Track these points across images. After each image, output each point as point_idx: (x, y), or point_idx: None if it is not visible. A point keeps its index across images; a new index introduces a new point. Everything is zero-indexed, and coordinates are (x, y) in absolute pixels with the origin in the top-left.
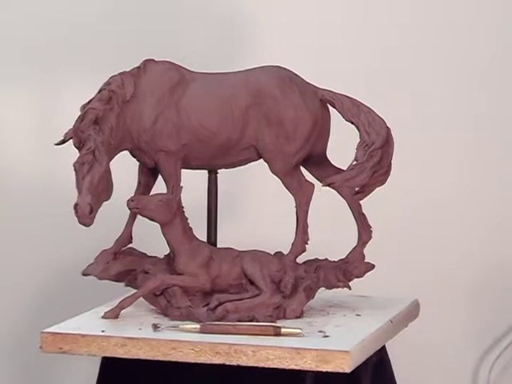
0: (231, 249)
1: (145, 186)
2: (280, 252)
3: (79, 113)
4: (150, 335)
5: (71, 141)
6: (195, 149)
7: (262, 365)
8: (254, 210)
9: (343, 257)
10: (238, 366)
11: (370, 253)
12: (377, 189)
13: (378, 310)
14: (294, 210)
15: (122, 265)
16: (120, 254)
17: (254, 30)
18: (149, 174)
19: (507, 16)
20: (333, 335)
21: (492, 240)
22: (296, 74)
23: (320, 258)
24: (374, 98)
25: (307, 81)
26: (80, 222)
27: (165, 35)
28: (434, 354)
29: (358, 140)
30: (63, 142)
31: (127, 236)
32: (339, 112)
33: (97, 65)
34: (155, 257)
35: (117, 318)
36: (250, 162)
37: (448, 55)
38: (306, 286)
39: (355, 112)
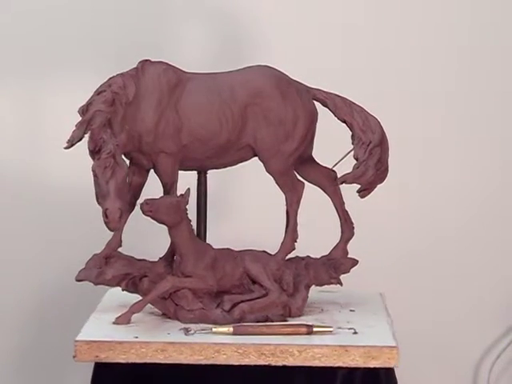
0: (230, 249)
1: (136, 187)
2: (265, 251)
3: (76, 114)
4: (188, 339)
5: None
6: (194, 149)
7: (307, 364)
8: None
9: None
10: (226, 367)
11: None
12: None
13: (365, 305)
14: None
15: (115, 269)
16: (111, 258)
17: (248, 29)
18: (141, 175)
19: (506, 16)
20: (361, 331)
21: (491, 240)
22: (285, 74)
23: (300, 255)
24: (369, 98)
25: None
26: (110, 228)
27: (157, 35)
28: (435, 353)
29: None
30: (72, 145)
31: (118, 240)
32: (332, 111)
33: (87, 65)
34: (144, 260)
35: (129, 323)
36: (242, 162)
37: (446, 55)
38: (306, 284)
39: (348, 111)
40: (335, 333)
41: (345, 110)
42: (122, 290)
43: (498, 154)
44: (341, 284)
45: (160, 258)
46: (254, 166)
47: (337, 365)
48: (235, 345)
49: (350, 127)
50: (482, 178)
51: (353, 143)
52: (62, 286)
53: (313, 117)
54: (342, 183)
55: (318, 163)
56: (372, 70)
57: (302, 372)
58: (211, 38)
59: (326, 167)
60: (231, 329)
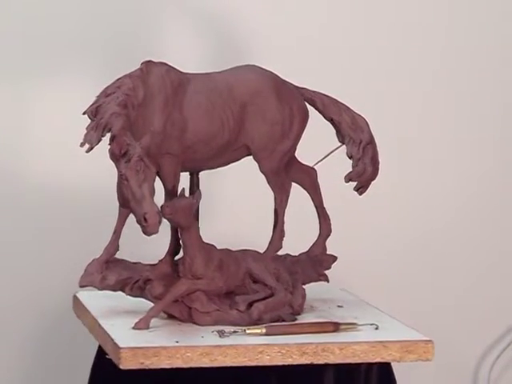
0: (229, 249)
1: None
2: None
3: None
4: (228, 341)
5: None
6: (196, 150)
7: (348, 361)
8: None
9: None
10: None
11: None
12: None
13: (347, 301)
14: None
15: (117, 273)
16: (110, 263)
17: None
18: None
19: (505, 16)
20: (382, 326)
21: (491, 238)
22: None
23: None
24: (360, 97)
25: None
26: (148, 232)
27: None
28: (434, 353)
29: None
30: (91, 148)
31: (116, 244)
32: (319, 110)
33: (77, 65)
34: (139, 263)
35: (148, 328)
36: (234, 162)
37: (444, 56)
38: (302, 281)
39: (336, 109)
40: (359, 329)
41: (333, 109)
42: (127, 294)
43: (492, 152)
44: (327, 281)
45: (160, 261)
46: (236, 166)
47: (375, 360)
48: (278, 345)
49: (338, 126)
50: (475, 176)
51: (340, 141)
52: (56, 291)
53: (306, 116)
54: (348, 181)
55: (299, 161)
56: (362, 70)
57: (330, 368)
58: (200, 39)
59: (306, 165)
60: (264, 329)
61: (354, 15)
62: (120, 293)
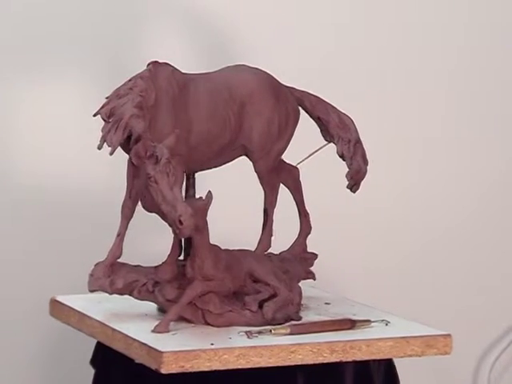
0: (229, 250)
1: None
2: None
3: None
4: (260, 342)
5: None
6: (199, 151)
7: (373, 357)
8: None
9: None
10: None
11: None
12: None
13: (331, 298)
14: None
15: (124, 277)
16: (114, 266)
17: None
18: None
19: (505, 15)
20: (392, 322)
21: (491, 238)
22: None
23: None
24: (356, 97)
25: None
26: (182, 234)
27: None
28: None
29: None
30: (114, 150)
31: (121, 247)
32: (307, 109)
33: (73, 66)
34: (139, 265)
35: (168, 331)
36: (229, 162)
37: (444, 56)
38: (297, 279)
39: (323, 109)
40: (372, 326)
41: (320, 108)
42: (135, 298)
43: (493, 154)
44: (314, 279)
45: (163, 263)
46: (224, 167)
47: (398, 356)
48: (309, 344)
49: (326, 125)
50: (474, 176)
51: (327, 140)
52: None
53: (299, 115)
54: (351, 179)
55: (282, 160)
56: (361, 71)
57: (350, 365)
58: (199, 40)
59: (290, 164)
60: (288, 329)
61: (353, 15)
62: (103, 295)
